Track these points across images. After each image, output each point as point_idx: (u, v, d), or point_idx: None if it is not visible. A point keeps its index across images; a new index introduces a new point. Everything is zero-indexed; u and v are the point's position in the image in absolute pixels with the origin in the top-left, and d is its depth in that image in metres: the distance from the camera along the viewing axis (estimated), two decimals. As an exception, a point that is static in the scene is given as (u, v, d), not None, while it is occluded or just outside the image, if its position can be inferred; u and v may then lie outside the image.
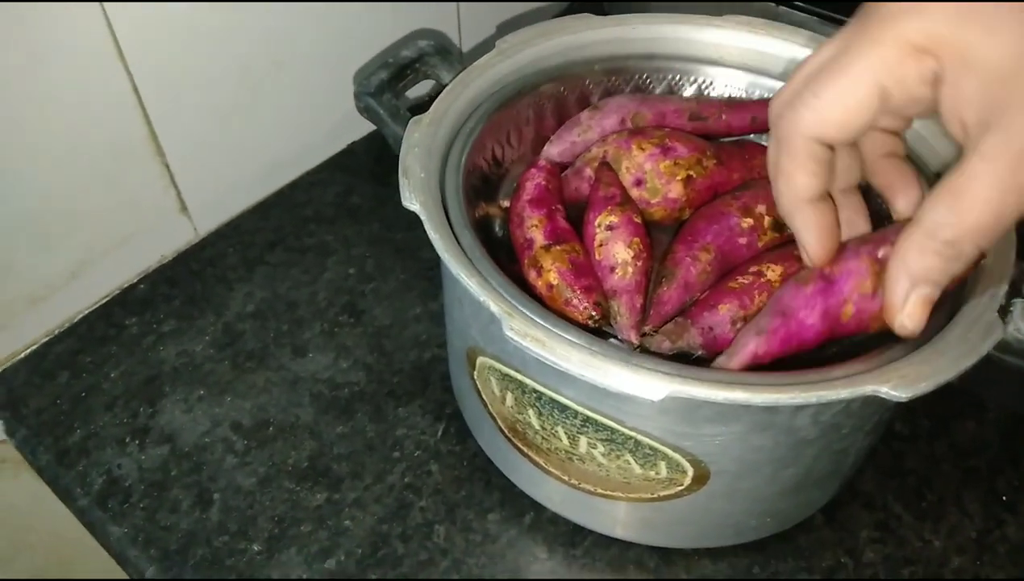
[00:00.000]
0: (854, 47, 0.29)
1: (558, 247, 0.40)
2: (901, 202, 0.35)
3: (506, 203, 0.45)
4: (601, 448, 0.38)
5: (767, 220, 0.40)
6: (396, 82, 0.50)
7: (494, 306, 0.33)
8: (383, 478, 0.48)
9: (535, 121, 0.48)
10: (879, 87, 0.28)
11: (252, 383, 0.53)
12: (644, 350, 0.38)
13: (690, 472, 0.37)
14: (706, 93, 0.50)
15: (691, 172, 0.43)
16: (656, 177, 0.43)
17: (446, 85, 0.45)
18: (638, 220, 0.41)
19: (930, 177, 0.42)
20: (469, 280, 0.34)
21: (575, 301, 0.38)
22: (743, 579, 0.45)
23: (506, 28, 0.72)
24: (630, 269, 0.39)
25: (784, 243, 0.41)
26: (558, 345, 0.32)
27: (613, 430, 0.36)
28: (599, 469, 0.39)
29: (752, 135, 0.48)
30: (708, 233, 0.40)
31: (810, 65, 0.31)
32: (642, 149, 0.43)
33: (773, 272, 0.37)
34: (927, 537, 0.46)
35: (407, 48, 0.50)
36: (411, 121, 0.42)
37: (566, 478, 0.41)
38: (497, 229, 0.45)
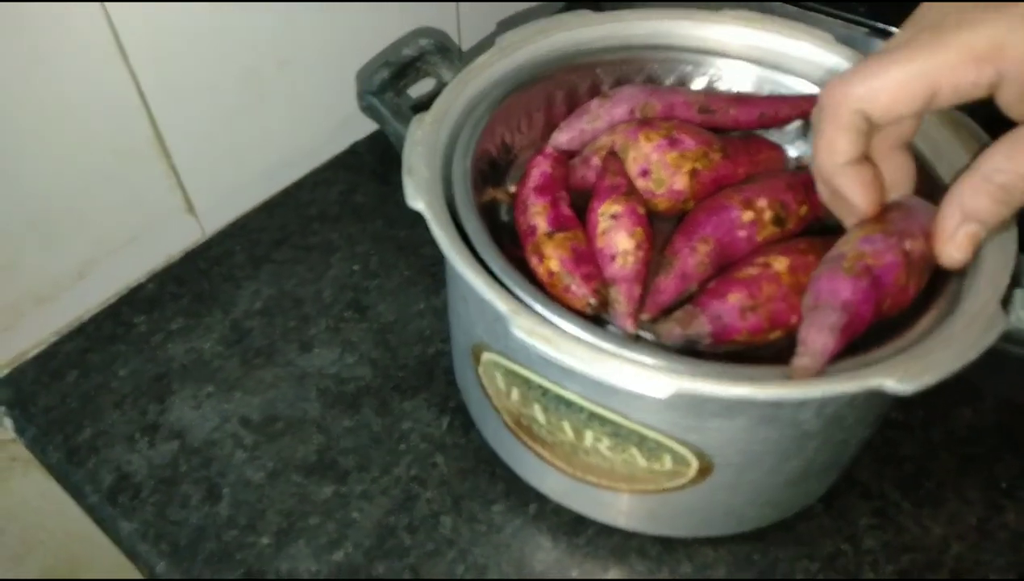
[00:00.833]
0: (922, 42, 0.31)
1: (560, 234, 0.40)
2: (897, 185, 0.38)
3: (513, 188, 0.45)
4: (606, 442, 0.38)
5: (768, 214, 0.41)
6: (398, 81, 0.50)
7: (501, 305, 0.34)
8: (389, 471, 0.49)
9: (545, 108, 0.49)
10: (933, 86, 0.30)
11: (260, 379, 0.53)
12: (639, 339, 0.38)
13: (695, 465, 0.37)
14: (704, 87, 0.50)
15: (697, 165, 0.43)
16: (662, 168, 0.43)
17: (447, 83, 0.45)
18: (641, 211, 0.41)
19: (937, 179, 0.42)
20: (475, 279, 0.35)
21: (574, 287, 0.38)
22: (744, 566, 0.45)
23: (505, 25, 0.72)
24: (630, 258, 0.39)
25: (784, 238, 0.41)
26: (565, 343, 0.32)
27: (619, 424, 0.37)
28: (604, 462, 0.40)
29: (759, 130, 0.48)
30: (708, 225, 0.40)
31: (880, 49, 0.33)
32: (649, 140, 0.44)
33: (780, 264, 0.38)
34: (926, 524, 0.47)
35: (408, 47, 0.51)
36: (414, 119, 0.42)
37: (570, 470, 0.42)
38: (504, 214, 0.45)
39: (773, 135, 0.49)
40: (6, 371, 0.54)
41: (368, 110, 0.49)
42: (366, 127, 0.70)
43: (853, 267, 0.35)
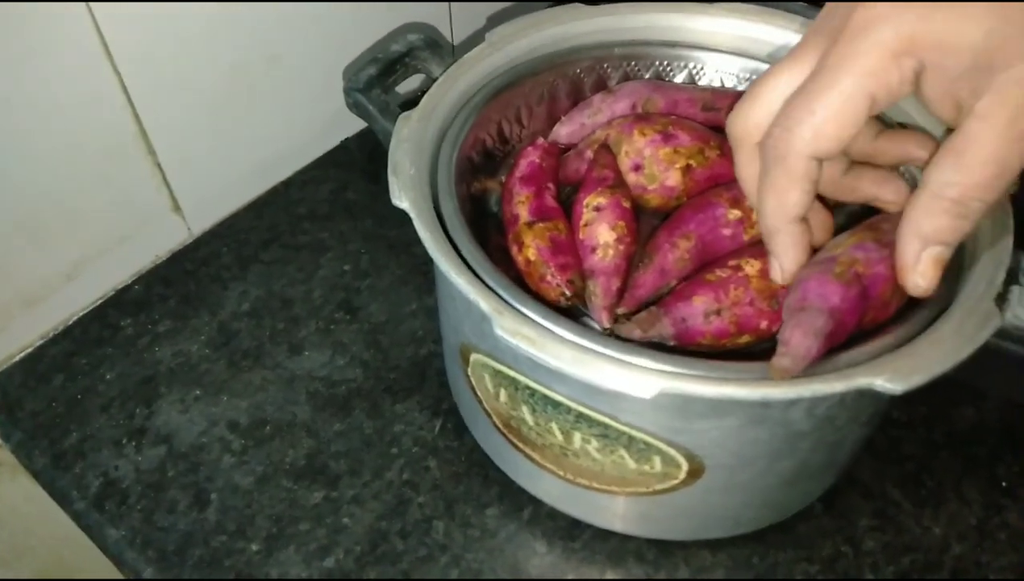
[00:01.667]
0: (836, 60, 0.29)
1: (541, 224, 0.40)
2: (874, 190, 0.37)
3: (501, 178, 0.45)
4: (595, 444, 0.38)
5: (756, 214, 0.40)
6: (385, 77, 0.49)
7: (484, 304, 0.33)
8: (381, 475, 0.48)
9: (548, 101, 0.48)
10: (869, 96, 0.29)
11: (248, 382, 0.53)
12: (614, 334, 0.37)
13: (685, 466, 0.37)
14: (697, 79, 0.49)
15: (691, 161, 0.43)
16: (655, 163, 0.43)
17: (436, 79, 0.44)
18: (627, 205, 0.41)
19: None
20: (459, 278, 0.34)
21: (549, 277, 0.38)
22: (743, 569, 0.44)
23: (496, 20, 0.71)
24: (611, 251, 0.39)
25: None
26: (549, 343, 0.32)
27: (607, 426, 0.36)
28: (594, 464, 0.39)
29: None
30: (692, 221, 0.40)
31: (782, 82, 0.32)
32: (643, 134, 0.43)
33: (752, 267, 0.37)
34: (927, 524, 0.46)
35: (396, 42, 0.50)
36: (400, 117, 0.42)
37: (562, 473, 0.41)
38: (493, 205, 0.45)
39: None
40: (-8, 375, 0.54)
41: (355, 107, 0.49)
42: (357, 124, 0.69)
43: (844, 273, 0.35)
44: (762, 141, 0.32)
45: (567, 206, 0.42)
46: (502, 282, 0.35)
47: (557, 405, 0.37)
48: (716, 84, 0.49)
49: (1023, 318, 0.36)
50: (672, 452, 0.36)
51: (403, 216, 0.38)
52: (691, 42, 0.49)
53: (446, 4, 0.70)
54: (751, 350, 0.37)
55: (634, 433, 0.36)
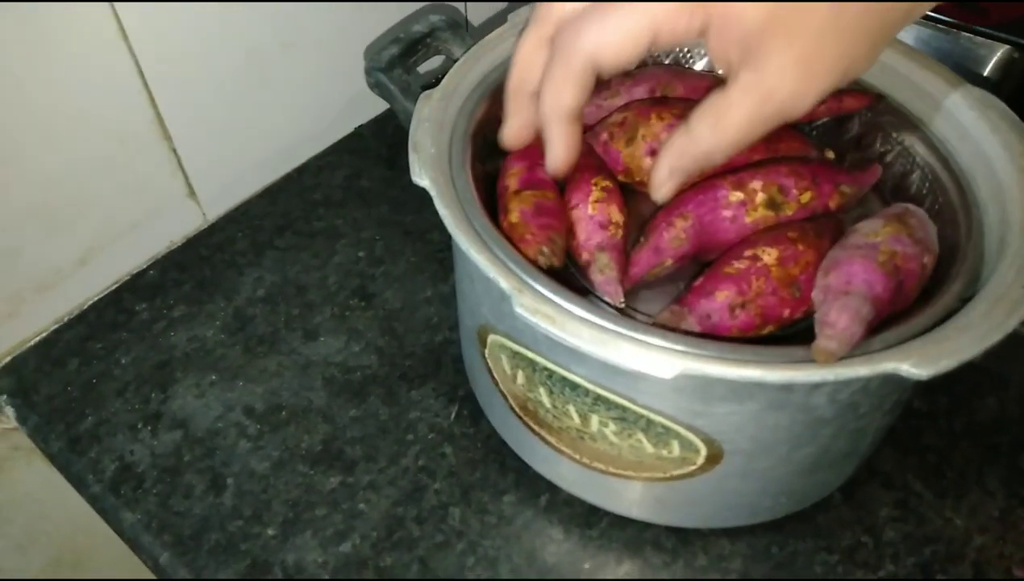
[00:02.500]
0: None
1: (528, 192, 0.40)
2: None
3: None
4: (613, 427, 0.37)
5: (760, 197, 0.39)
6: (407, 57, 0.49)
7: (504, 282, 0.33)
8: (397, 461, 0.48)
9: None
10: (654, 31, 0.31)
11: (264, 367, 0.53)
12: (644, 318, 0.37)
13: (703, 451, 0.36)
14: (716, 67, 0.49)
15: None
16: None
17: (457, 60, 0.44)
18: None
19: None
20: (479, 256, 0.34)
21: (528, 236, 0.38)
22: (761, 559, 0.44)
23: (518, 1, 0.71)
24: (620, 231, 0.39)
25: (777, 225, 0.39)
26: (568, 322, 0.32)
27: (625, 408, 0.36)
28: (611, 448, 0.39)
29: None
30: (691, 201, 0.39)
31: None
32: (661, 119, 0.42)
33: (769, 256, 0.37)
34: (948, 515, 0.46)
35: (418, 23, 0.50)
36: (421, 96, 0.42)
37: (578, 457, 0.41)
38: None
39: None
40: (7, 359, 0.54)
41: (376, 87, 0.48)
42: (372, 110, 0.69)
43: (887, 263, 0.35)
44: (555, 33, 0.34)
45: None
46: (520, 262, 0.35)
47: (575, 387, 0.36)
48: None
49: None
50: (691, 436, 0.36)
51: (418, 203, 0.37)
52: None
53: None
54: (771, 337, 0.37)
55: (652, 416, 0.35)
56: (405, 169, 0.38)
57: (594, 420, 0.38)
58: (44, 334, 0.55)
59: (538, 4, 0.35)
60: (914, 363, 0.30)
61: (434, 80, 0.43)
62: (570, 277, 0.40)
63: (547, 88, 0.34)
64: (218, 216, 0.62)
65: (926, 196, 0.42)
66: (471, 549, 0.45)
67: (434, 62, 0.50)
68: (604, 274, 0.38)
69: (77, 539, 0.63)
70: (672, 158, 0.34)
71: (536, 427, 0.42)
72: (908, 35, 0.57)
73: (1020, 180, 0.38)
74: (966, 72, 0.52)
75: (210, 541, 0.45)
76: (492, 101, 0.44)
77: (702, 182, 0.41)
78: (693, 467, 0.38)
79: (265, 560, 0.44)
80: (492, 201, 0.41)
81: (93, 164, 0.53)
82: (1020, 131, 0.40)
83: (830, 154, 0.45)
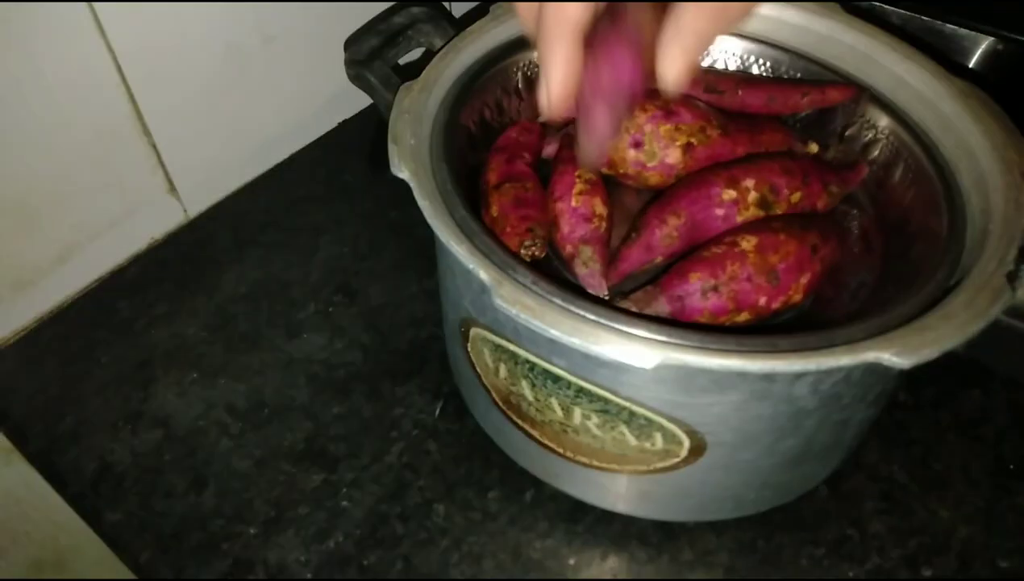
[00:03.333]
0: None
1: (508, 185, 0.40)
2: None
3: None
4: (595, 419, 0.37)
5: (752, 195, 0.39)
6: (388, 49, 0.49)
7: (483, 274, 0.33)
8: (381, 458, 0.48)
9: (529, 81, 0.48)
10: None
11: (246, 365, 0.52)
12: (625, 309, 0.36)
13: (686, 443, 0.36)
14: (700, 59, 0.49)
15: (692, 139, 0.42)
16: (655, 140, 0.42)
17: (438, 51, 0.44)
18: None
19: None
20: (458, 247, 0.34)
21: (508, 229, 0.38)
22: (747, 552, 0.44)
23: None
24: (604, 224, 0.39)
25: (766, 218, 0.40)
26: (548, 312, 0.31)
27: (607, 400, 0.35)
28: (594, 441, 0.39)
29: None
30: (684, 199, 0.39)
31: None
32: (644, 110, 0.42)
33: (748, 242, 0.37)
34: (933, 507, 0.45)
35: (398, 15, 0.49)
36: (401, 87, 0.41)
37: (562, 451, 0.41)
38: None
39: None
40: (-14, 358, 0.53)
41: (356, 80, 0.48)
42: (355, 105, 0.68)
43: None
44: None
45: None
46: (501, 253, 0.35)
47: (557, 379, 0.36)
48: (719, 64, 0.49)
49: (1033, 296, 0.36)
50: (673, 428, 0.36)
51: (403, 198, 0.37)
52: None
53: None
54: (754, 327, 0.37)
55: (635, 408, 0.35)
56: (389, 164, 0.38)
57: (577, 413, 0.37)
58: (23, 333, 0.54)
59: None
60: (896, 352, 0.30)
61: (417, 69, 0.43)
62: (552, 268, 0.40)
63: (550, 7, 0.29)
64: (199, 213, 0.62)
65: (910, 186, 0.42)
66: (455, 546, 0.44)
67: (415, 54, 0.50)
68: (588, 267, 0.38)
69: (58, 539, 0.62)
70: (682, 13, 0.29)
71: (520, 421, 0.42)
72: (892, 28, 0.57)
73: (1002, 170, 0.38)
74: (952, 64, 0.52)
75: (191, 541, 0.45)
76: (473, 93, 0.44)
77: (694, 179, 0.40)
78: (676, 459, 0.37)
79: (247, 559, 0.44)
80: (476, 194, 0.41)
81: (71, 160, 0.52)
82: (1002, 122, 0.40)
83: (813, 147, 0.45)
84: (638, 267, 0.39)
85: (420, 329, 0.54)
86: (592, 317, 0.32)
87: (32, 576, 0.62)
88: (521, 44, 0.46)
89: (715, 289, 0.36)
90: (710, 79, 0.46)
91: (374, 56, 0.48)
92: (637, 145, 0.42)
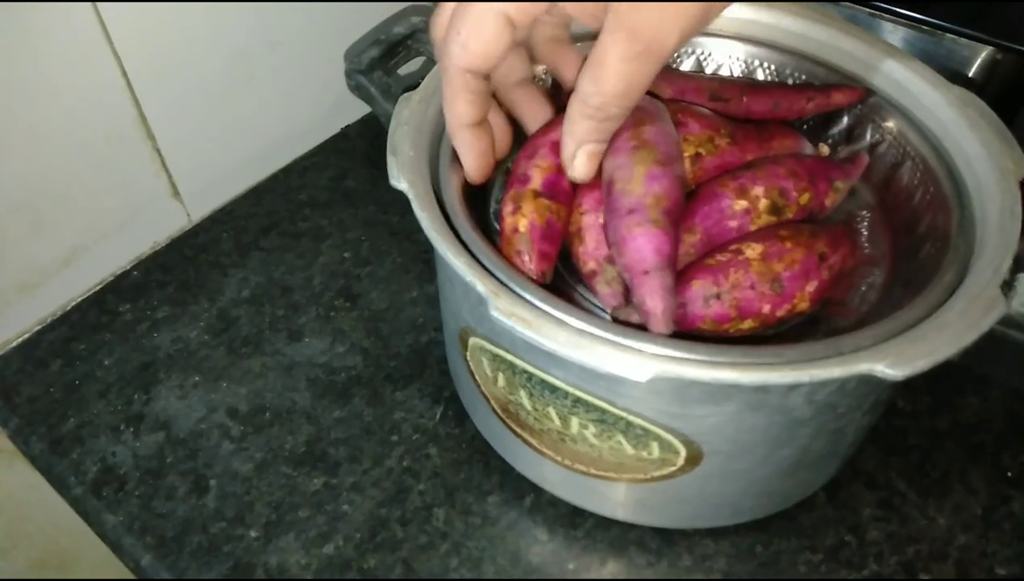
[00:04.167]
0: None
1: (547, 201, 0.38)
2: (568, 75, 0.41)
3: (508, 164, 0.44)
4: (592, 429, 0.37)
5: (763, 203, 0.39)
6: (388, 59, 0.49)
7: (480, 286, 0.33)
8: (381, 462, 0.48)
9: (552, 85, 0.47)
10: (503, 16, 0.32)
11: (248, 369, 0.52)
12: (621, 321, 0.36)
13: (683, 453, 0.36)
14: (704, 66, 0.49)
15: (701, 149, 0.41)
16: None
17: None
18: None
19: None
20: (456, 259, 0.34)
21: (525, 258, 0.37)
22: (745, 558, 0.44)
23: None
24: None
25: (775, 225, 0.39)
26: (545, 325, 0.31)
27: (604, 411, 0.36)
28: (591, 450, 0.39)
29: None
30: (697, 214, 0.39)
31: None
32: None
33: (753, 250, 0.36)
34: (931, 515, 0.46)
35: (399, 24, 0.50)
36: (401, 98, 0.41)
37: (560, 459, 0.41)
38: (493, 198, 0.44)
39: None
40: (-10, 360, 0.53)
41: (356, 89, 0.48)
42: (358, 110, 0.68)
43: (659, 218, 0.35)
44: (436, 47, 0.36)
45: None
46: (500, 264, 0.35)
47: (554, 389, 0.36)
48: (724, 70, 0.49)
49: (1029, 306, 0.36)
50: (670, 438, 0.36)
51: (404, 203, 0.37)
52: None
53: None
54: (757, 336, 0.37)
55: (631, 418, 0.35)
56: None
57: (574, 422, 0.38)
58: (27, 335, 0.55)
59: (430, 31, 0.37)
60: (889, 363, 0.30)
61: (419, 79, 0.43)
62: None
63: (445, 104, 0.36)
64: (203, 216, 0.62)
65: (918, 186, 0.42)
66: (455, 550, 0.44)
67: (416, 63, 0.50)
68: (611, 287, 0.37)
69: (60, 541, 0.62)
70: (571, 127, 0.35)
71: (518, 429, 0.42)
72: (892, 36, 0.57)
73: (999, 179, 0.38)
74: (951, 73, 0.51)
75: (192, 543, 0.45)
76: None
77: (704, 192, 0.40)
78: (673, 468, 0.38)
79: (248, 562, 0.44)
80: (475, 208, 0.41)
81: (76, 164, 0.52)
82: (999, 130, 0.40)
83: (824, 150, 0.45)
84: None
85: (421, 334, 0.54)
86: (588, 329, 0.32)
87: (34, 578, 0.62)
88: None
89: (717, 297, 0.35)
90: (715, 86, 0.45)
91: (374, 66, 0.48)
92: None
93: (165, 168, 0.57)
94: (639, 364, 0.30)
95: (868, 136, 0.45)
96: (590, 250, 0.39)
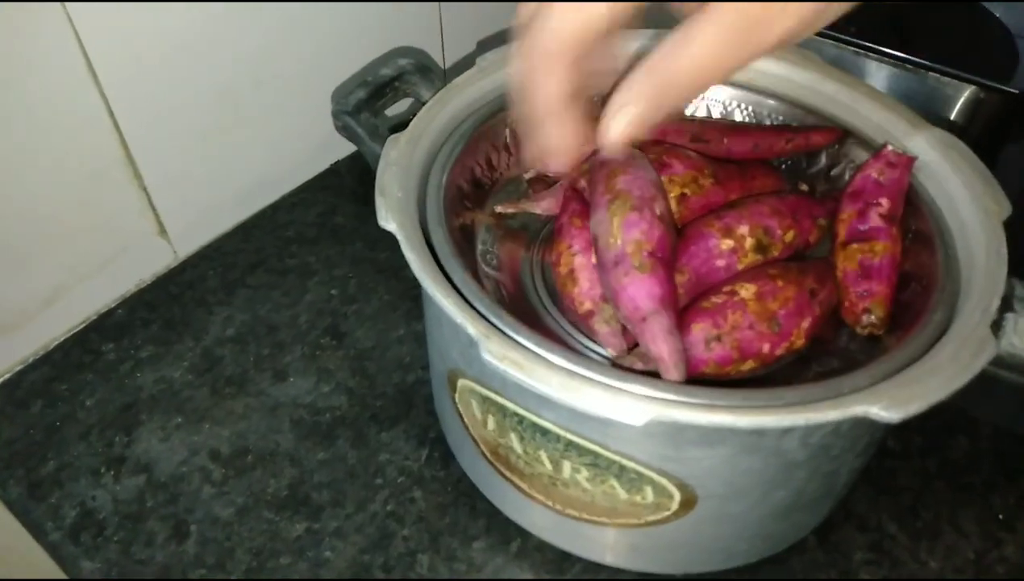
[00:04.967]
0: None
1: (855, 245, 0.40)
2: None
3: (500, 209, 0.44)
4: (585, 473, 0.37)
5: (748, 242, 0.39)
6: (375, 100, 0.49)
7: (471, 328, 0.33)
8: (365, 506, 0.47)
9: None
10: None
11: (231, 410, 0.52)
12: (614, 364, 0.36)
13: (677, 496, 0.36)
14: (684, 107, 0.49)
15: (686, 190, 0.42)
16: None
17: (426, 103, 0.44)
18: None
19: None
20: (445, 300, 0.34)
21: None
22: (736, 604, 0.43)
23: (486, 45, 0.71)
24: None
25: (763, 264, 0.39)
26: (537, 368, 0.31)
27: (596, 454, 0.35)
28: (584, 494, 0.38)
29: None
30: (684, 255, 0.39)
31: None
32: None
33: (747, 291, 0.36)
34: (923, 558, 0.45)
35: (386, 66, 0.50)
36: (389, 139, 0.41)
37: (551, 503, 0.40)
38: (480, 241, 0.44)
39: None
40: (-32, 402, 0.52)
41: (343, 130, 0.48)
42: (346, 147, 0.68)
43: (644, 263, 0.35)
44: (526, 27, 0.32)
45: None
46: (490, 306, 0.34)
47: (546, 432, 0.36)
48: (702, 113, 0.49)
49: (1017, 346, 0.36)
50: (664, 482, 0.35)
51: (392, 240, 0.37)
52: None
53: (437, 28, 0.70)
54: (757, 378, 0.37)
55: (625, 462, 0.35)
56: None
57: (566, 466, 0.37)
58: (7, 375, 0.54)
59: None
60: (884, 406, 0.30)
61: (406, 120, 0.43)
62: (533, 314, 0.40)
63: (536, 83, 0.32)
64: (189, 253, 0.62)
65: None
66: (439, 597, 0.44)
67: (403, 105, 0.50)
68: (609, 326, 0.37)
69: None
70: (627, 84, 0.31)
71: (507, 473, 0.41)
72: (876, 74, 0.58)
73: (983, 219, 0.38)
74: (933, 115, 0.52)
75: (172, 590, 0.44)
76: (463, 150, 0.44)
77: (691, 232, 0.40)
78: (667, 512, 0.37)
79: (228, 610, 0.43)
80: (464, 252, 0.41)
81: (61, 203, 0.52)
82: (981, 172, 0.40)
83: (804, 188, 0.46)
84: None
85: (407, 373, 0.54)
86: (581, 373, 0.32)
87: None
88: (508, 100, 0.46)
89: (718, 339, 0.35)
90: (696, 128, 0.46)
91: (360, 108, 0.48)
92: None
93: (152, 206, 0.57)
94: (635, 408, 0.30)
95: (846, 175, 0.45)
96: (585, 290, 0.39)
